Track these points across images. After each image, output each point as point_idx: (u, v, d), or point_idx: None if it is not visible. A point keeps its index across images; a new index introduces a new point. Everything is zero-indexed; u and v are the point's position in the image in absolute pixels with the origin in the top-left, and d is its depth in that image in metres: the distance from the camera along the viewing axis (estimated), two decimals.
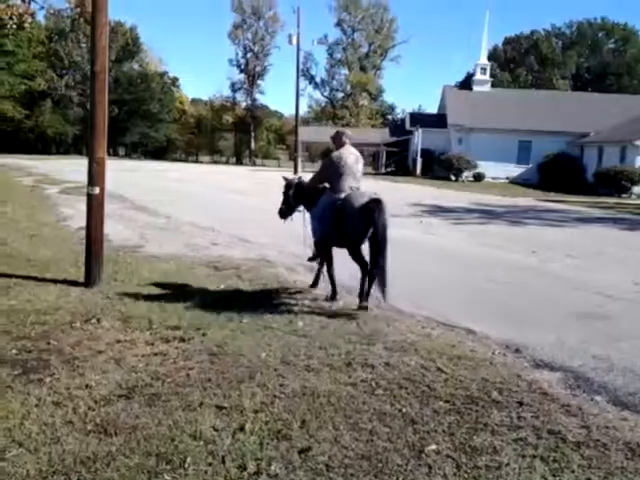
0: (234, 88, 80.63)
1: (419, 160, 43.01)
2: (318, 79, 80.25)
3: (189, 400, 4.05)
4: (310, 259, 7.76)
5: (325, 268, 7.18)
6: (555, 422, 3.98)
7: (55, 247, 9.81)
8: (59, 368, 4.56)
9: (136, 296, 6.76)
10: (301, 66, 52.81)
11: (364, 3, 76.04)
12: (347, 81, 77.77)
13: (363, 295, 6.60)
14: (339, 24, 76.96)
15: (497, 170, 40.65)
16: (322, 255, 7.22)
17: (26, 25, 13.20)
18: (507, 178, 40.78)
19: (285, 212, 7.72)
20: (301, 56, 49.06)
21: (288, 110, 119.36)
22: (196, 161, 76.47)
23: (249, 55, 78.55)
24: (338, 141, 7.07)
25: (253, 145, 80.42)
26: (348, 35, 77.93)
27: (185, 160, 76.30)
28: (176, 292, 7.06)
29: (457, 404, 4.19)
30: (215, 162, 76.63)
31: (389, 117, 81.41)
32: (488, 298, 7.64)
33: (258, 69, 79.02)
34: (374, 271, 6.48)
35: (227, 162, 78.40)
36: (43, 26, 60.50)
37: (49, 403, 3.94)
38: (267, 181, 29.94)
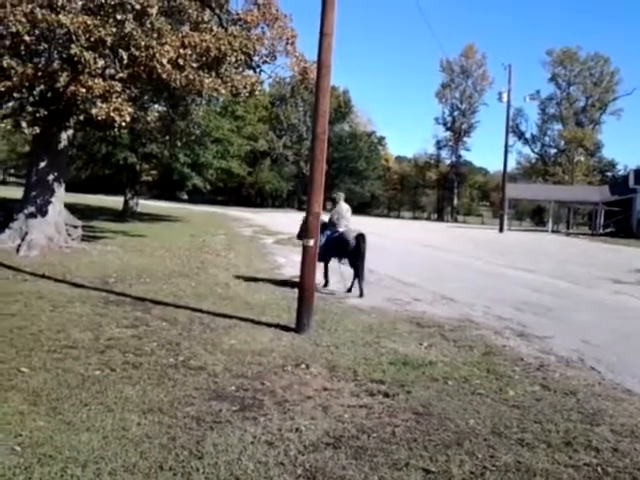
0: (439, 145, 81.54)
1: None
2: (528, 135, 77.61)
3: (395, 458, 3.96)
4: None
5: (324, 269, 11.63)
6: None
7: (269, 293, 10.55)
8: (272, 409, 4.79)
9: (342, 346, 6.93)
10: (510, 122, 51.53)
11: (582, 56, 72.44)
12: (561, 136, 73.91)
13: (352, 287, 11.18)
14: (553, 79, 74.07)
15: None
16: (323, 261, 11.17)
17: (256, 93, 14.67)
18: None
19: (301, 236, 11.22)
20: (511, 112, 47.95)
21: (493, 166, 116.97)
22: (398, 216, 77.95)
23: (456, 113, 79.04)
24: (337, 200, 11.86)
25: (456, 202, 79.78)
26: (563, 89, 74.54)
27: (387, 215, 78.25)
28: (379, 346, 7.08)
29: None
30: (416, 218, 77.34)
31: (608, 174, 75.13)
32: None
33: (464, 126, 79.02)
34: (359, 273, 11.00)
35: (428, 218, 78.67)
36: (267, 93, 67.62)
37: (263, 442, 4.14)
38: (468, 238, 29.25)
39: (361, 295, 10.71)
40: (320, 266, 10.87)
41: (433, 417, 4.77)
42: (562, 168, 70.99)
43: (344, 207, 11.73)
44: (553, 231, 49.73)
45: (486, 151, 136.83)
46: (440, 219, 75.38)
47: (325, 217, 12.28)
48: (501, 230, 41.14)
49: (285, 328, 7.66)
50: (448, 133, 79.94)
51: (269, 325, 7.81)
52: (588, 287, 14.10)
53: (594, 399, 5.51)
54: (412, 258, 19.32)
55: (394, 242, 25.89)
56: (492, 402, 5.23)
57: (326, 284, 11.62)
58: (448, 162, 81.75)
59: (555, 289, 13.36)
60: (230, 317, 8.10)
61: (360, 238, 11.15)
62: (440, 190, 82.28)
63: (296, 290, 8.28)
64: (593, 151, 73.93)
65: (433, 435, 4.39)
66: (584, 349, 7.58)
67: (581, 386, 5.90)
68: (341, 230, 11.39)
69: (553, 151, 76.84)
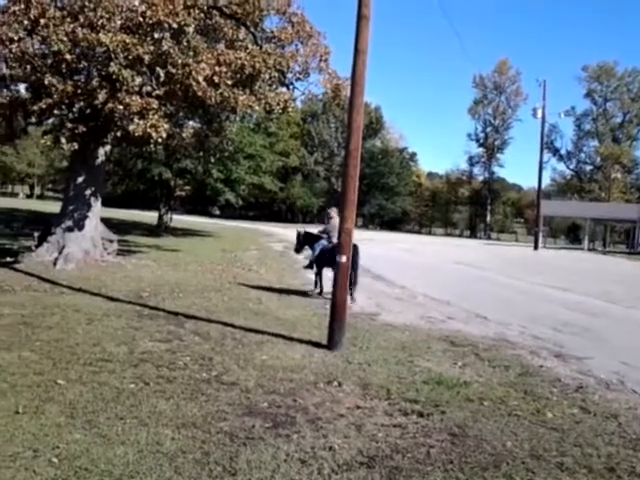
0: (472, 162, 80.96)
1: None
2: (563, 151, 76.49)
3: None
4: (305, 267, 13.93)
5: (319, 278, 12.50)
6: None
7: (300, 309, 10.54)
8: (304, 426, 4.75)
9: (374, 363, 6.86)
10: (545, 138, 50.84)
11: (619, 71, 71.38)
12: (597, 153, 72.67)
13: (351, 295, 11.03)
14: (589, 94, 73.07)
15: None
16: (317, 269, 12.57)
17: (289, 110, 14.76)
18: None
19: (298, 249, 13.72)
20: (545, 128, 47.33)
21: (527, 183, 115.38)
22: (429, 233, 77.37)
23: (489, 129, 78.47)
24: (331, 215, 12.58)
25: (488, 218, 78.86)
26: (599, 105, 73.44)
27: (418, 232, 77.74)
28: (413, 364, 6.99)
29: None
30: (448, 234, 76.63)
31: None
32: None
33: (497, 142, 78.36)
34: (353, 281, 10.96)
35: (461, 235, 77.90)
36: (299, 109, 68.18)
37: (296, 460, 4.10)
38: (502, 256, 28.82)
39: (352, 301, 11.09)
40: (329, 276, 11.56)
41: (469, 438, 4.66)
42: (598, 185, 69.75)
43: (338, 221, 12.71)
44: (589, 249, 48.70)
45: (520, 167, 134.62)
46: (473, 236, 74.60)
47: (314, 230, 13.98)
48: (536, 248, 40.44)
49: (317, 345, 7.62)
50: (481, 149, 79.38)
51: (301, 341, 7.78)
52: (627, 307, 13.72)
53: (637, 423, 5.32)
54: (445, 275, 19.12)
55: (427, 259, 25.68)
56: (530, 424, 5.09)
57: (320, 292, 12.33)
58: (481, 178, 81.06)
59: (593, 308, 13.04)
60: (262, 332, 8.10)
61: (353, 249, 11.39)
62: (473, 207, 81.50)
63: (327, 306, 8.25)
64: (630, 168, 72.48)
65: (469, 457, 4.30)
66: (624, 371, 7.35)
67: (622, 409, 5.71)
68: (335, 241, 11.71)
69: (589, 168, 75.60)
